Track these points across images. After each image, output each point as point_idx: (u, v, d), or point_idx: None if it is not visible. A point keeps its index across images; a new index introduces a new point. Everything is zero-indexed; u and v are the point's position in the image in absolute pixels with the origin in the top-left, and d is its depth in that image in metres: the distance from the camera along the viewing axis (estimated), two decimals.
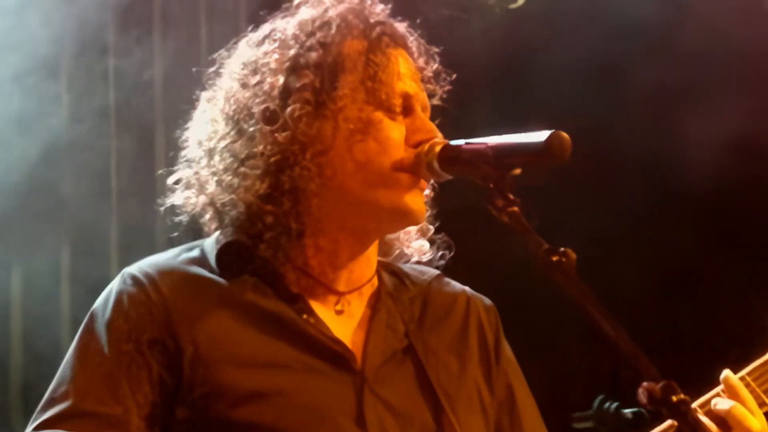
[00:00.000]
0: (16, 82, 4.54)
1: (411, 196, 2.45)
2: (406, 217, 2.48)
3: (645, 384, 2.00)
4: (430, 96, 2.56)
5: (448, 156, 2.40)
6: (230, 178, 2.45)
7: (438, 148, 2.41)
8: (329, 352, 2.40)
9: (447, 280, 2.67)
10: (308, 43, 2.46)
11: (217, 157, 2.47)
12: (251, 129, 2.44)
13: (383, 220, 2.48)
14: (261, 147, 2.42)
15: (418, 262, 2.66)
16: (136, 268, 2.44)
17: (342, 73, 2.44)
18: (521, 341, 2.76)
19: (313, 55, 2.45)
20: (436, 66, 2.58)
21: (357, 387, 2.39)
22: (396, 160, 2.43)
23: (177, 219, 2.56)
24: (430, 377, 2.47)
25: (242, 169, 2.43)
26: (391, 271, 2.63)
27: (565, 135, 2.22)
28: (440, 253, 2.66)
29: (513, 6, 5.40)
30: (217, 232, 2.51)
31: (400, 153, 2.44)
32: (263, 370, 2.35)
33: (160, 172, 2.61)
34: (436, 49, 2.60)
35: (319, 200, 2.44)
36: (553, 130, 2.22)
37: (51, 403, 2.34)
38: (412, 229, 2.64)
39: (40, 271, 4.63)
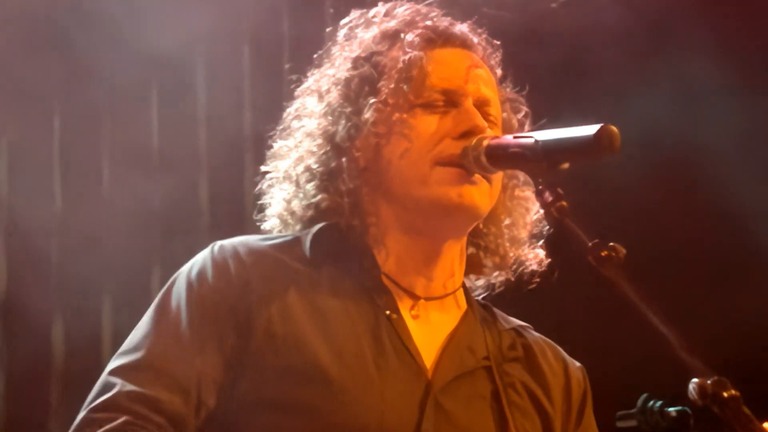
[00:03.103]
0: None
1: (458, 189, 2.44)
2: (454, 212, 2.46)
3: (696, 379, 1.99)
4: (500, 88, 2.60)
5: (496, 150, 2.39)
6: (287, 186, 2.57)
7: (486, 142, 2.41)
8: (402, 356, 2.41)
9: (540, 334, 2.67)
10: (359, 60, 2.54)
11: (279, 172, 2.59)
12: (300, 145, 2.56)
13: (434, 217, 2.47)
14: (309, 162, 2.53)
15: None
16: (227, 241, 2.50)
17: (380, 81, 2.51)
18: (566, 339, 2.75)
19: (361, 70, 2.53)
20: (497, 58, 2.62)
21: (423, 396, 2.39)
22: (435, 153, 2.45)
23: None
24: (503, 401, 2.46)
25: (294, 177, 2.55)
26: (482, 304, 2.64)
27: (614, 129, 2.20)
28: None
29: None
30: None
31: (440, 146, 2.45)
32: (331, 357, 2.35)
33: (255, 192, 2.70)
34: (497, 42, 2.62)
35: (372, 204, 2.49)
36: (602, 124, 2.20)
37: (125, 352, 2.40)
38: (511, 239, 2.62)
39: None
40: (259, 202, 2.65)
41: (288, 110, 2.64)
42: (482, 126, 2.46)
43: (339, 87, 2.54)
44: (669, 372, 2.02)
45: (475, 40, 2.59)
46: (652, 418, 2.32)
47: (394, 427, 2.34)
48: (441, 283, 2.54)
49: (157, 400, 2.32)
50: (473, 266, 2.63)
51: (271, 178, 2.62)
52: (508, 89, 2.63)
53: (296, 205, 2.55)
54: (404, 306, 2.49)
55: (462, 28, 2.59)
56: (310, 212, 2.54)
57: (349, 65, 2.55)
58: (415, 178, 2.45)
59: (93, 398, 2.36)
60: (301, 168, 2.54)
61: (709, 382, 1.98)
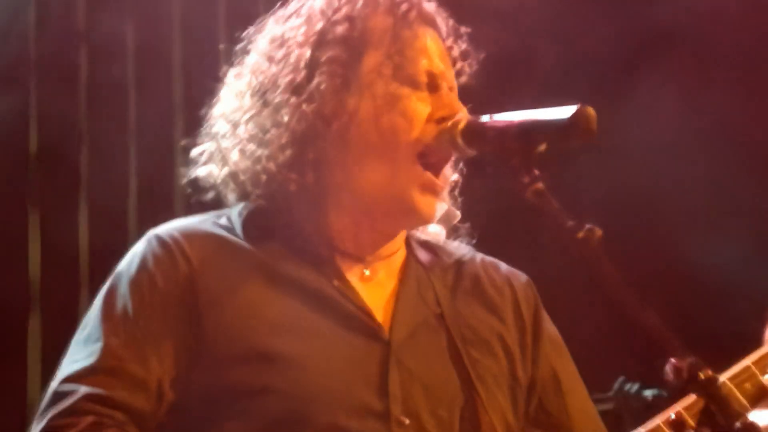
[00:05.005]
0: None
1: (425, 198, 2.44)
2: (413, 216, 2.48)
3: (672, 361, 1.99)
4: (459, 76, 2.55)
5: (472, 131, 2.38)
6: (254, 147, 2.47)
7: (462, 124, 2.40)
8: (356, 321, 2.40)
9: (482, 255, 2.64)
10: (335, 18, 2.48)
11: (242, 128, 2.49)
12: (277, 100, 2.46)
13: (395, 210, 2.47)
14: (286, 117, 2.44)
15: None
16: (163, 229, 2.45)
17: (368, 48, 2.46)
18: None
19: (340, 29, 2.47)
20: (464, 46, 2.57)
21: (383, 357, 2.38)
22: (418, 137, 2.42)
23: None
24: (459, 348, 2.45)
25: (267, 138, 2.45)
26: (424, 243, 2.61)
27: (591, 111, 2.19)
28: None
29: None
30: (241, 204, 2.51)
31: (423, 129, 2.42)
32: (286, 335, 2.34)
33: (183, 143, 2.61)
34: (466, 29, 2.58)
35: (343, 174, 2.45)
36: (579, 105, 2.19)
37: (76, 359, 2.36)
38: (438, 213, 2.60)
39: None
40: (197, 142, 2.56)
41: (247, 52, 2.54)
42: (461, 114, 2.44)
43: (325, 42, 2.46)
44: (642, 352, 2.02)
45: (438, 20, 2.54)
46: (628, 401, 2.31)
47: (362, 395, 2.34)
48: (386, 249, 2.52)
49: (119, 399, 2.30)
50: None
51: (221, 125, 2.52)
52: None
53: (244, 163, 2.47)
54: (351, 272, 2.47)
55: (429, 7, 2.55)
56: (260, 177, 2.45)
57: (329, 20, 2.47)
58: (398, 159, 2.42)
59: (47, 407, 2.32)
60: (270, 124, 2.45)
61: (685, 363, 1.98)
